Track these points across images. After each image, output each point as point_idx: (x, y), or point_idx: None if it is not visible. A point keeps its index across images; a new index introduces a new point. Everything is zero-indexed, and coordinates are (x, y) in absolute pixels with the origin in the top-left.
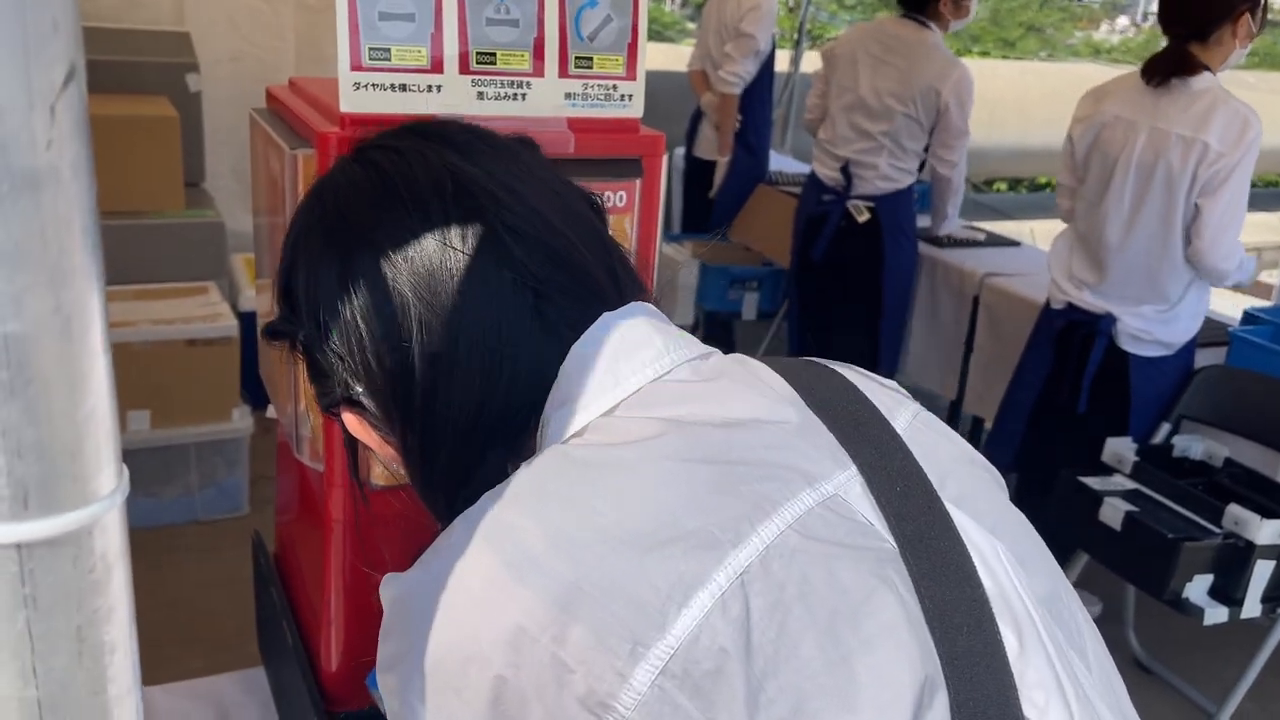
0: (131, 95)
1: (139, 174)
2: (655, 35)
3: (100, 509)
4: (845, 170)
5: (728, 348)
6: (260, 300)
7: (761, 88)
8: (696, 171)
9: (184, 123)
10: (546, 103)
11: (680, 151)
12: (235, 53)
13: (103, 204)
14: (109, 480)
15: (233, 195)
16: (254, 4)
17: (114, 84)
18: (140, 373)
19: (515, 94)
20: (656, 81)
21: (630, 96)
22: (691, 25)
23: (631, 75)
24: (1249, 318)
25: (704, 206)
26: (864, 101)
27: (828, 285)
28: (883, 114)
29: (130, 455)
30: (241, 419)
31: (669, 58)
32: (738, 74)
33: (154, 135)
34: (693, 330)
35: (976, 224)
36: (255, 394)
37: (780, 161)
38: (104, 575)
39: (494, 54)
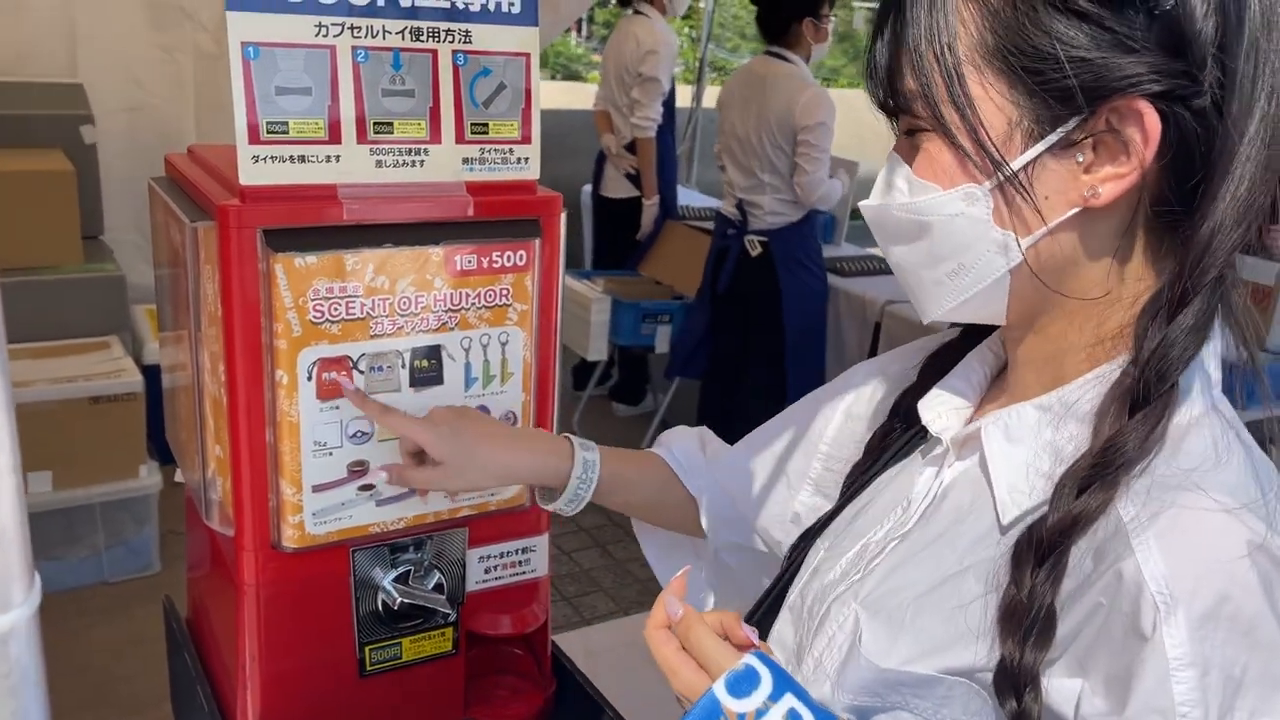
0: (25, 149)
1: (35, 229)
2: (561, 69)
3: (13, 619)
4: (740, 207)
5: (642, 381)
6: (164, 353)
7: (664, 127)
8: (603, 210)
9: (80, 175)
10: (445, 168)
11: (588, 189)
12: (132, 103)
13: None
14: (20, 592)
15: (133, 247)
16: (150, 53)
17: (6, 138)
18: (41, 433)
19: (413, 161)
20: (564, 119)
21: (526, 160)
22: (598, 58)
23: (526, 139)
24: None
25: (613, 244)
26: (741, 143)
27: (734, 317)
28: (753, 152)
29: (31, 519)
30: (149, 475)
31: (575, 95)
32: (649, 118)
33: (49, 189)
34: (607, 366)
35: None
36: (163, 448)
37: (687, 196)
38: (19, 680)
39: (391, 123)
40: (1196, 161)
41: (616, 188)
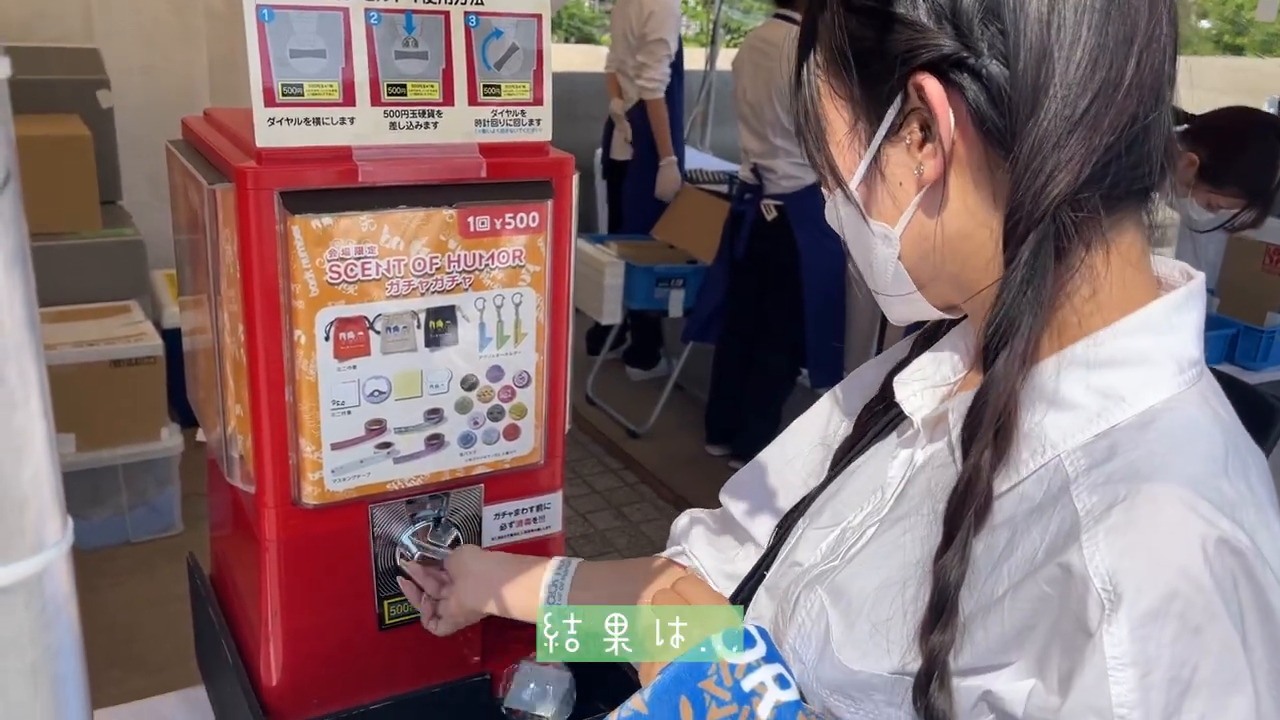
0: (42, 114)
1: (53, 195)
2: (574, 31)
3: (48, 557)
4: (756, 171)
5: (656, 345)
6: (184, 317)
7: (671, 88)
8: (613, 173)
9: (97, 140)
10: (458, 130)
11: (601, 153)
12: (146, 65)
13: None
14: (55, 531)
15: (151, 209)
16: (163, 15)
17: (23, 103)
18: (64, 396)
19: (427, 122)
20: (578, 82)
21: (539, 121)
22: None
23: (539, 100)
24: None
25: (622, 208)
26: (753, 109)
27: (750, 282)
28: (766, 117)
29: None
30: (171, 437)
31: (588, 58)
32: (655, 78)
33: (67, 155)
34: (622, 330)
35: None
36: (184, 410)
37: (701, 160)
38: (54, 614)
39: (404, 85)
40: (998, 122)
41: (623, 150)
